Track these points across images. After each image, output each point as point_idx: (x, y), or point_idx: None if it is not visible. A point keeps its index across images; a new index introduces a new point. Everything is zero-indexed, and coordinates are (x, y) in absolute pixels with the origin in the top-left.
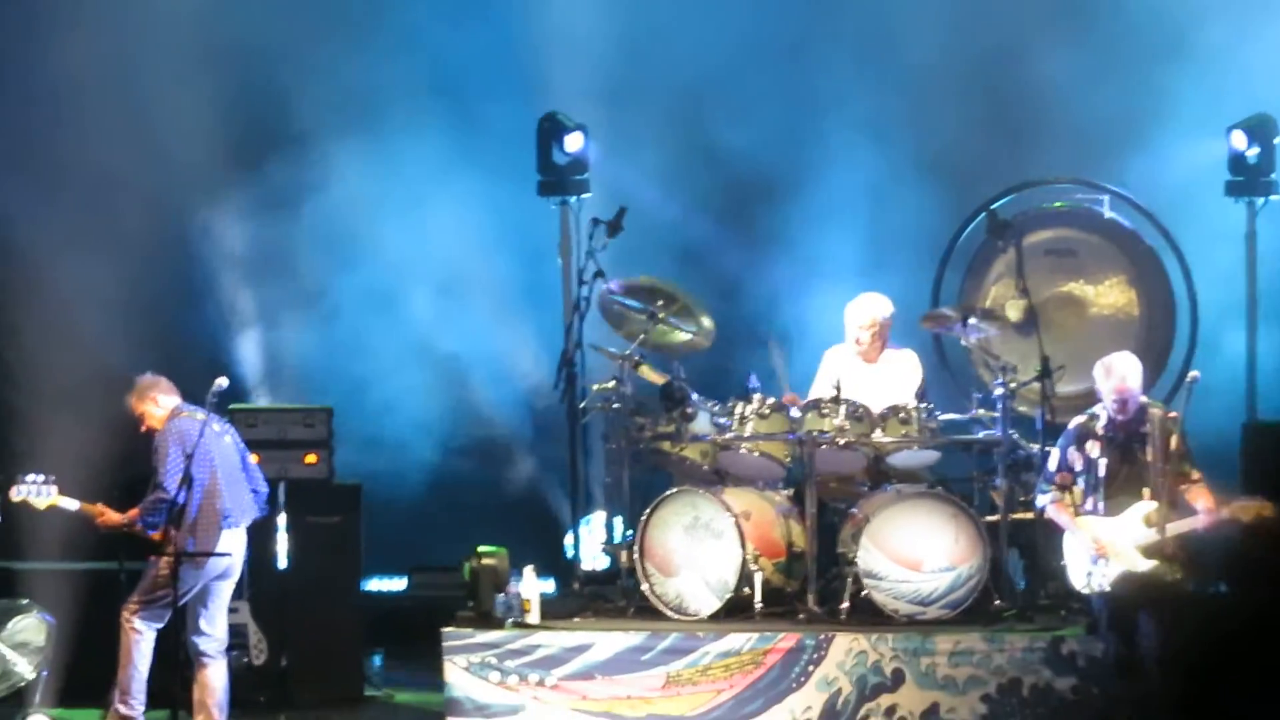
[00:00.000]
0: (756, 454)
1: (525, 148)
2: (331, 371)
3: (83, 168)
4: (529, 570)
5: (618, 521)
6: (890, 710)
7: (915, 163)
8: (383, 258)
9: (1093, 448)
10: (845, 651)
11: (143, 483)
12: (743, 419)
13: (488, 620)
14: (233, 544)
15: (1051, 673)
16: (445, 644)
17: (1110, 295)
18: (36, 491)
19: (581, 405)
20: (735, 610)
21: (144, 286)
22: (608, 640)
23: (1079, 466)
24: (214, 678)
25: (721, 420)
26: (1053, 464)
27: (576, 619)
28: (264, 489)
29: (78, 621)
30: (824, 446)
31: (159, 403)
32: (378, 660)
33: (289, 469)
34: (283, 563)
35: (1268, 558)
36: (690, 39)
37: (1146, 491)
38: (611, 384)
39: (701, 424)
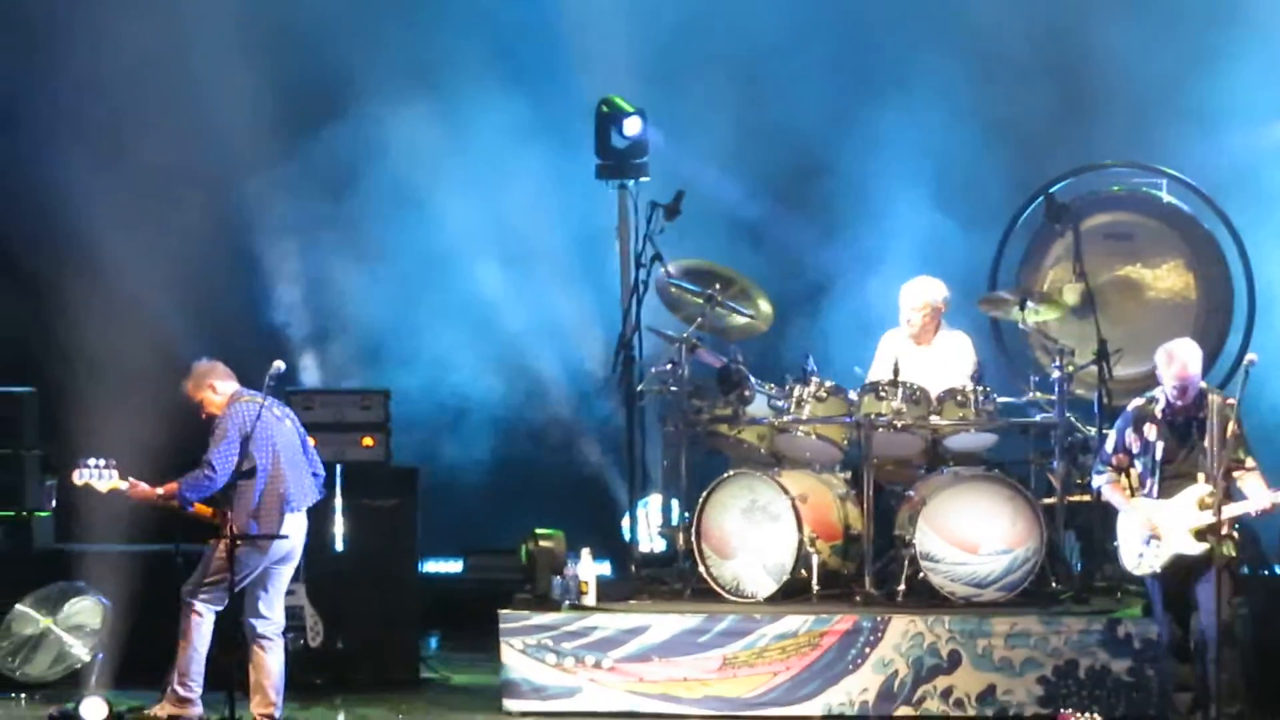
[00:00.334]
0: (813, 437)
1: (585, 129)
2: (390, 354)
3: (138, 148)
4: (586, 552)
5: (675, 504)
6: (947, 692)
7: (974, 142)
8: (441, 241)
9: (1150, 430)
10: (902, 634)
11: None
12: (800, 402)
13: (544, 602)
14: (294, 528)
15: (1108, 655)
16: (502, 626)
17: (1168, 279)
18: (98, 475)
19: (639, 388)
20: (792, 593)
21: (198, 266)
22: (664, 622)
23: (1136, 449)
24: (271, 660)
25: (779, 403)
26: (1110, 445)
27: (633, 601)
28: (322, 472)
29: (133, 604)
30: (881, 429)
31: (217, 389)
32: (434, 643)
33: (346, 452)
34: (339, 545)
35: None
36: (746, 13)
37: (1201, 476)
38: (669, 367)
39: (759, 407)
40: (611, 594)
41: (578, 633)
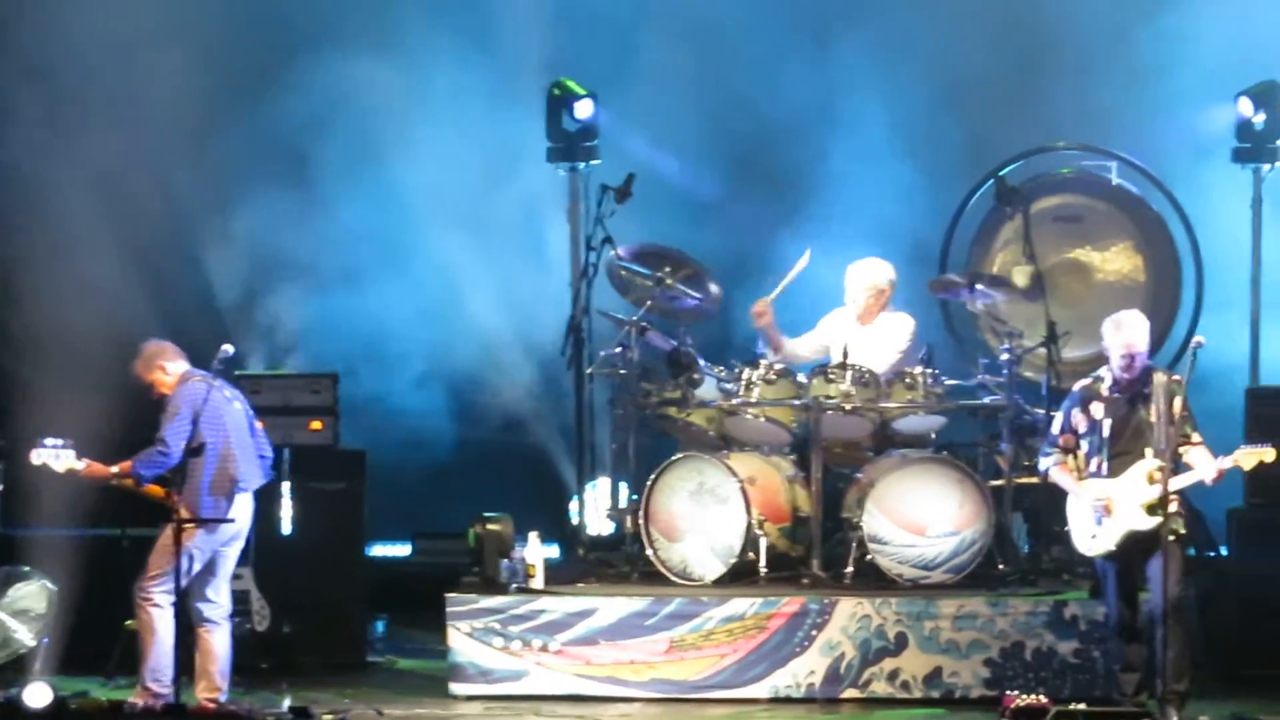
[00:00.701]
0: (762, 419)
1: (535, 114)
2: (336, 337)
3: (84, 128)
4: (533, 536)
5: (623, 487)
6: (893, 674)
7: (923, 128)
8: (389, 224)
9: (1097, 409)
10: (849, 616)
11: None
12: (749, 385)
13: (492, 586)
14: (241, 509)
15: (1054, 636)
16: (449, 609)
17: (1116, 261)
18: (55, 456)
19: (588, 371)
20: (740, 575)
21: (147, 248)
22: (611, 605)
23: (1083, 428)
24: (217, 644)
25: (728, 386)
26: (1056, 427)
27: (581, 584)
28: (270, 455)
29: (79, 589)
30: (830, 412)
31: (167, 370)
32: (381, 626)
33: (293, 435)
34: (286, 529)
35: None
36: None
37: (1149, 451)
38: (618, 350)
39: (708, 390)
40: (559, 577)
41: (525, 616)
